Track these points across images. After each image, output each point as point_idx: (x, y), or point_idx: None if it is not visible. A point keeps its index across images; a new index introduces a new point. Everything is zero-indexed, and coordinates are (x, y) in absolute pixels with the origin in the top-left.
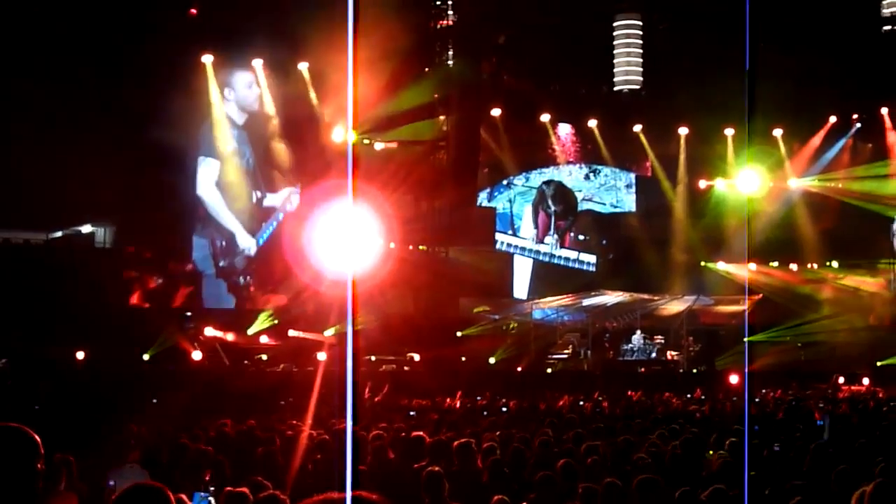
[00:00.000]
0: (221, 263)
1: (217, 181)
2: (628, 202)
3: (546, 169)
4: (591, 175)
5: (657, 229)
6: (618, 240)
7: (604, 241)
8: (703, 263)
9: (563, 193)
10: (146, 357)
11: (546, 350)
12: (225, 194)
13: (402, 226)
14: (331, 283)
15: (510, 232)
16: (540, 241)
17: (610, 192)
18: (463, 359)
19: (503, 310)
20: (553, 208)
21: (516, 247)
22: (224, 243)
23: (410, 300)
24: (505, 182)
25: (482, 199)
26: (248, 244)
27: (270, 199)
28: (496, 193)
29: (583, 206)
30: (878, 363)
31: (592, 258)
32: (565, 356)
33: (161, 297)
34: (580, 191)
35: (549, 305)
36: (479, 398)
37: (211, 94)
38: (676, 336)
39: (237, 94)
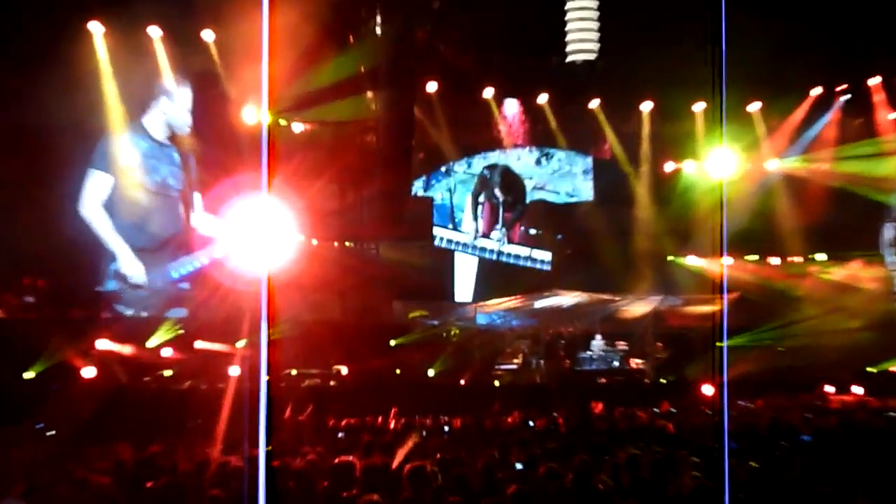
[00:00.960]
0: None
1: (108, 200)
2: (585, 190)
3: (490, 153)
4: (543, 159)
5: (618, 220)
6: (574, 233)
7: (558, 236)
8: (670, 258)
9: (510, 181)
10: (29, 375)
11: (493, 360)
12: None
13: (326, 219)
14: (244, 286)
15: (450, 226)
16: (485, 235)
17: (564, 178)
18: (398, 371)
19: (443, 314)
20: (499, 198)
21: (457, 243)
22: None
23: (336, 305)
24: (443, 169)
25: (417, 188)
26: (136, 272)
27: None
28: (434, 182)
29: (533, 195)
30: (869, 369)
31: (546, 255)
32: (515, 366)
33: (45, 305)
34: (530, 178)
35: (496, 309)
36: (416, 416)
37: (101, 75)
38: (641, 341)
39: (166, 109)
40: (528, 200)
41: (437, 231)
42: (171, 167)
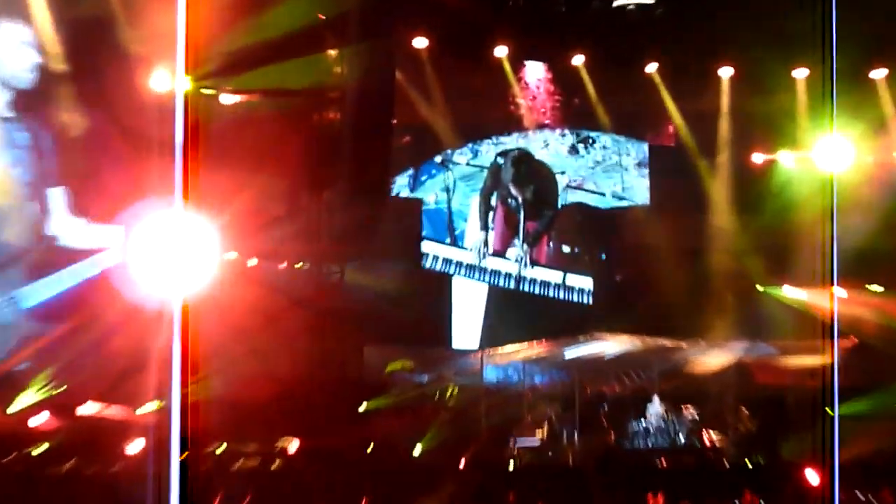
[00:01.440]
0: None
1: None
2: (640, 190)
3: (505, 137)
4: (581, 147)
5: (686, 234)
6: (624, 251)
7: (602, 255)
8: (760, 288)
9: (534, 176)
10: None
11: (506, 432)
12: None
13: (269, 230)
14: (147, 324)
15: (448, 240)
16: (498, 253)
17: (611, 173)
18: (370, 448)
19: (435, 367)
20: (519, 200)
21: (458, 264)
22: None
23: (284, 352)
24: (438, 159)
25: (401, 186)
26: None
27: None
28: (424, 178)
29: (567, 196)
30: None
31: (585, 282)
32: (537, 442)
33: None
34: (562, 172)
35: (512, 359)
36: None
37: None
38: (719, 407)
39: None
40: (559, 204)
41: (427, 247)
42: (13, 150)
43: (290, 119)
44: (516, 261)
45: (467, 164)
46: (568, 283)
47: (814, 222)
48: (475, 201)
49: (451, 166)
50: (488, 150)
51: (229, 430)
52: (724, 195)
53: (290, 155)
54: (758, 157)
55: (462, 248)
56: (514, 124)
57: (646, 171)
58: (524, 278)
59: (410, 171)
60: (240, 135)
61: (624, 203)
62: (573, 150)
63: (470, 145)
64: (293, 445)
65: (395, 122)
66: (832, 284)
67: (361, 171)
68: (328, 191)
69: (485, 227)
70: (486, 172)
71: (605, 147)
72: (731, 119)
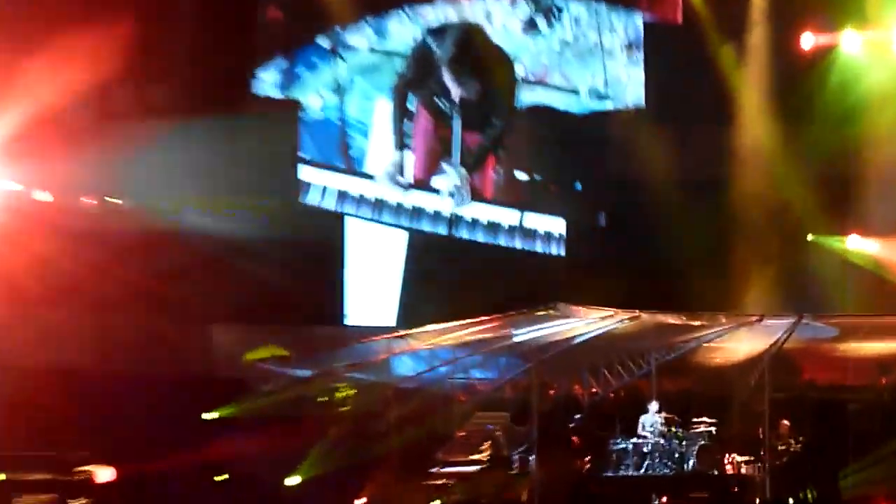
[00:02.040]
0: None
1: None
2: (632, 85)
3: (426, 6)
4: (542, 20)
5: (699, 154)
6: (610, 180)
7: (577, 185)
8: (811, 237)
9: (478, 63)
10: None
11: (428, 454)
12: None
13: (64, 152)
14: None
15: (341, 163)
16: (420, 184)
17: (587, 60)
18: (223, 477)
19: (322, 356)
20: (455, 100)
21: (359, 199)
22: None
23: (90, 332)
24: (325, 43)
25: (269, 85)
26: None
27: None
28: (302, 71)
29: (524, 96)
30: None
31: (554, 224)
32: (475, 467)
33: None
34: (516, 60)
35: (437, 344)
36: None
37: None
38: (747, 417)
39: None
40: (515, 107)
41: (308, 174)
42: None
43: None
44: (449, 195)
45: (370, 50)
46: (527, 225)
47: (892, 136)
48: (382, 105)
49: (343, 53)
50: (402, 28)
51: (7, 449)
52: (756, 97)
53: (91, 37)
54: (807, 41)
55: (364, 175)
56: None
57: (639, 56)
58: (461, 220)
59: (281, 62)
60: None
61: (607, 105)
62: (530, 25)
63: (372, 20)
64: (104, 474)
65: None
66: None
67: (204, 61)
68: (158, 87)
69: (399, 145)
70: (404, 62)
71: (577, 21)
72: None
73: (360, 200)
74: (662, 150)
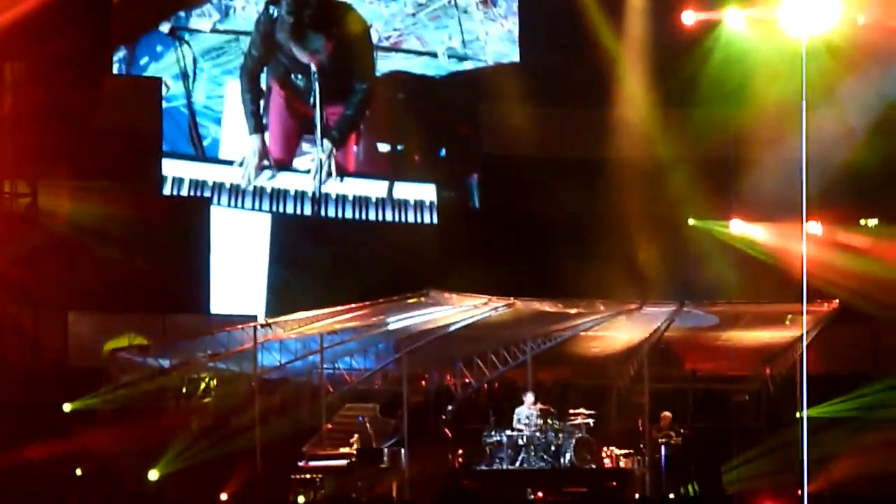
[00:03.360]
0: None
1: None
2: (494, 41)
3: None
4: None
5: (578, 132)
6: (480, 146)
7: (441, 152)
8: (692, 221)
9: (330, 26)
10: None
11: (293, 447)
12: None
13: None
14: None
15: (193, 151)
16: (282, 164)
17: (442, 21)
18: (77, 472)
19: (183, 346)
20: (309, 71)
21: (216, 186)
22: None
23: None
24: (165, 27)
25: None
26: None
27: None
28: (144, 58)
29: (381, 64)
30: None
31: (426, 193)
32: (342, 461)
33: None
34: (373, 24)
35: (303, 332)
36: None
37: None
38: (626, 408)
39: None
40: (374, 68)
41: (168, 167)
42: None
43: None
44: (317, 173)
45: (212, 30)
46: (397, 195)
47: (776, 118)
48: (233, 88)
49: (186, 37)
50: (246, 3)
51: None
52: (635, 78)
53: None
54: (688, 17)
55: (218, 161)
56: None
57: (496, 11)
58: (327, 198)
59: (123, 50)
60: None
61: (468, 65)
62: None
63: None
64: None
65: None
66: (803, 218)
67: (65, 37)
68: (13, 64)
69: (256, 128)
70: (252, 39)
71: None
72: None
73: (218, 188)
74: (539, 123)
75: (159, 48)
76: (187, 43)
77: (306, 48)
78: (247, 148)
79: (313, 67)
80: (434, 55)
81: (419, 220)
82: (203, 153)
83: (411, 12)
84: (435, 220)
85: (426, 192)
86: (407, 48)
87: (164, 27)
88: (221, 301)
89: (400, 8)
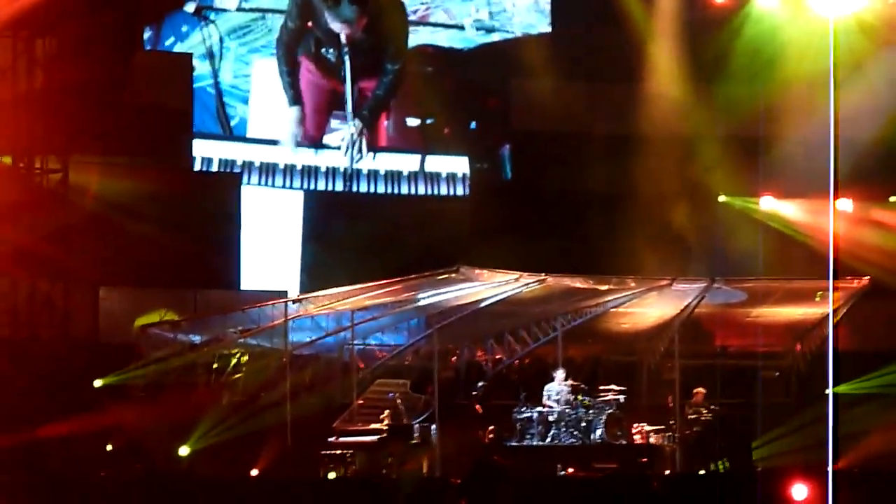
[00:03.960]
0: None
1: None
2: (519, 15)
3: None
4: None
5: (611, 110)
6: (513, 120)
7: (471, 124)
8: (722, 198)
9: (355, 21)
10: None
11: (324, 424)
12: None
13: None
14: None
15: (222, 131)
16: (314, 140)
17: None
18: (108, 447)
19: (214, 322)
20: (344, 46)
21: (248, 165)
22: None
23: None
24: (191, 7)
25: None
26: None
27: None
28: (170, 39)
29: (412, 37)
30: None
31: (459, 165)
32: (374, 437)
33: None
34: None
35: (335, 309)
36: None
37: None
38: (657, 385)
39: None
40: (406, 48)
41: (197, 147)
42: None
43: None
44: (348, 150)
45: (238, 8)
46: (429, 169)
47: (805, 95)
48: (260, 67)
49: (211, 16)
50: None
51: None
52: (667, 52)
53: None
54: None
55: (248, 140)
56: None
57: None
58: (359, 174)
59: (147, 31)
60: None
61: (495, 37)
62: None
63: None
64: None
65: None
66: (832, 194)
67: (95, 13)
68: (48, 38)
69: (295, 99)
70: (282, 15)
71: None
72: None
73: (248, 167)
74: (568, 101)
75: (185, 28)
76: (213, 22)
77: (339, 16)
78: (290, 121)
79: (343, 39)
80: (461, 28)
81: (452, 192)
82: (231, 133)
83: None
84: (467, 193)
85: (458, 164)
86: (434, 21)
87: (190, 7)
88: (253, 277)
89: None
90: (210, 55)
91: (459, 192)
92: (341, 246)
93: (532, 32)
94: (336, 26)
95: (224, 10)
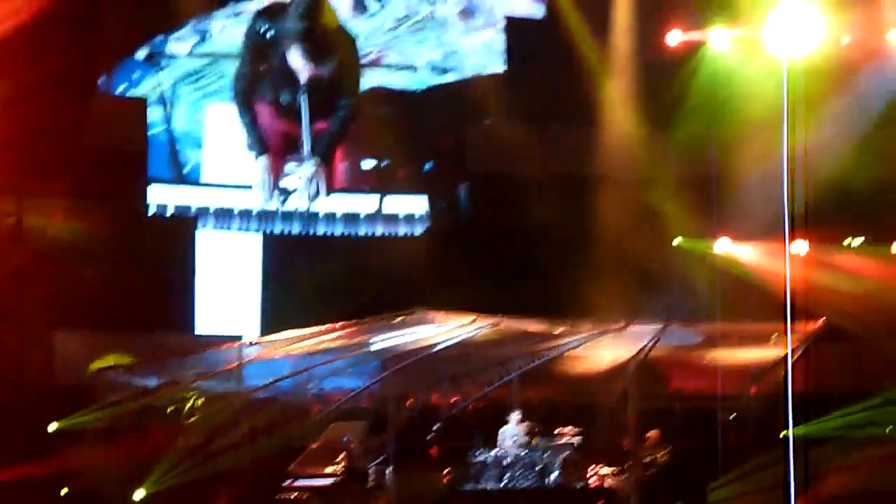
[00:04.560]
0: None
1: None
2: (476, 52)
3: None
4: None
5: (565, 154)
6: (465, 161)
7: (427, 164)
8: (677, 241)
9: (328, 35)
10: None
11: (279, 467)
12: None
13: None
14: None
15: (174, 174)
16: (272, 183)
17: (423, 34)
18: (64, 491)
19: (170, 365)
20: (301, 85)
21: (204, 211)
22: None
23: None
24: (142, 54)
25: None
26: None
27: None
28: (123, 85)
29: (364, 79)
30: None
31: (416, 207)
32: (329, 480)
33: None
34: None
35: (290, 352)
36: None
37: None
38: (613, 427)
39: None
40: (360, 83)
41: (151, 193)
42: None
43: None
44: (306, 190)
45: (191, 53)
46: (387, 210)
47: (759, 138)
48: (212, 111)
49: (163, 62)
50: (225, 25)
51: None
52: (618, 97)
53: None
54: (673, 37)
55: (197, 184)
56: None
57: (476, 21)
58: (315, 217)
59: (101, 76)
60: None
61: (449, 77)
62: (358, 7)
63: (193, 22)
64: None
65: None
66: (787, 237)
67: (52, 57)
68: (1, 83)
69: (264, 148)
70: (226, 61)
71: None
72: None
73: (204, 212)
74: (522, 143)
75: (136, 74)
76: (164, 68)
77: (310, 57)
78: (261, 170)
79: (302, 80)
80: (414, 69)
81: (410, 233)
82: (180, 177)
83: (391, 27)
84: (425, 230)
85: (416, 204)
86: (387, 63)
87: (141, 53)
88: (209, 321)
89: (380, 24)
90: (162, 101)
91: (418, 231)
92: (300, 288)
93: (484, 73)
94: (298, 64)
95: (176, 56)
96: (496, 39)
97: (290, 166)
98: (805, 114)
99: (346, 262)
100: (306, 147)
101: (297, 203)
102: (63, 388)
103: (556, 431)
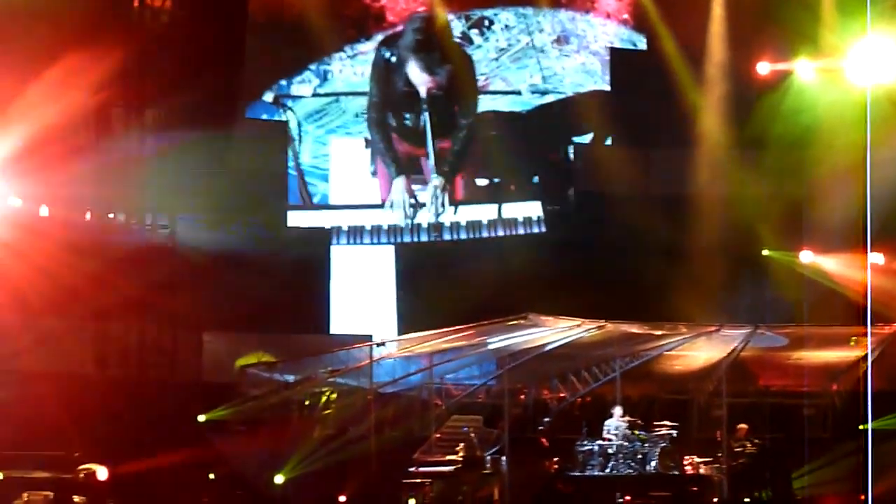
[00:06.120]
0: None
1: None
2: (571, 73)
3: (362, 44)
4: (475, 33)
5: (664, 174)
6: (571, 173)
7: (535, 178)
8: (766, 252)
9: (444, 47)
10: None
11: (405, 455)
12: None
13: (67, 166)
14: None
15: (303, 201)
16: (406, 201)
17: (523, 61)
18: (211, 476)
19: (306, 363)
20: (423, 100)
21: (336, 230)
22: None
23: (89, 340)
24: (269, 97)
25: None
26: None
27: None
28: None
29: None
30: None
31: (531, 211)
32: (450, 468)
33: None
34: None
35: (414, 352)
36: None
37: None
38: (706, 420)
39: None
40: (477, 104)
41: (295, 218)
42: None
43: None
44: (432, 205)
45: (314, 94)
46: (508, 216)
47: (842, 163)
48: (336, 145)
49: (289, 103)
50: (343, 66)
51: (7, 450)
52: (714, 121)
53: (93, 56)
54: (763, 68)
55: (329, 205)
56: (371, 21)
57: (570, 46)
58: (442, 229)
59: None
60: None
61: (549, 98)
62: (465, 39)
63: (314, 66)
64: (100, 472)
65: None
66: (867, 248)
67: (196, 80)
68: (153, 110)
69: (400, 169)
70: (347, 99)
71: (507, 27)
72: (726, 12)
73: (337, 231)
74: (618, 161)
75: (264, 116)
76: (291, 109)
77: (427, 68)
78: (398, 191)
79: (423, 94)
80: (518, 93)
81: (527, 230)
82: (310, 202)
83: (494, 57)
84: (545, 230)
85: (532, 209)
86: (493, 90)
87: (268, 96)
88: (345, 324)
89: (484, 54)
90: (290, 139)
91: (537, 230)
92: (429, 293)
93: (581, 91)
94: (418, 78)
95: (300, 97)
96: (589, 61)
97: (417, 185)
98: (886, 139)
99: (470, 268)
100: (431, 161)
101: (425, 217)
102: (211, 384)
103: (654, 424)
